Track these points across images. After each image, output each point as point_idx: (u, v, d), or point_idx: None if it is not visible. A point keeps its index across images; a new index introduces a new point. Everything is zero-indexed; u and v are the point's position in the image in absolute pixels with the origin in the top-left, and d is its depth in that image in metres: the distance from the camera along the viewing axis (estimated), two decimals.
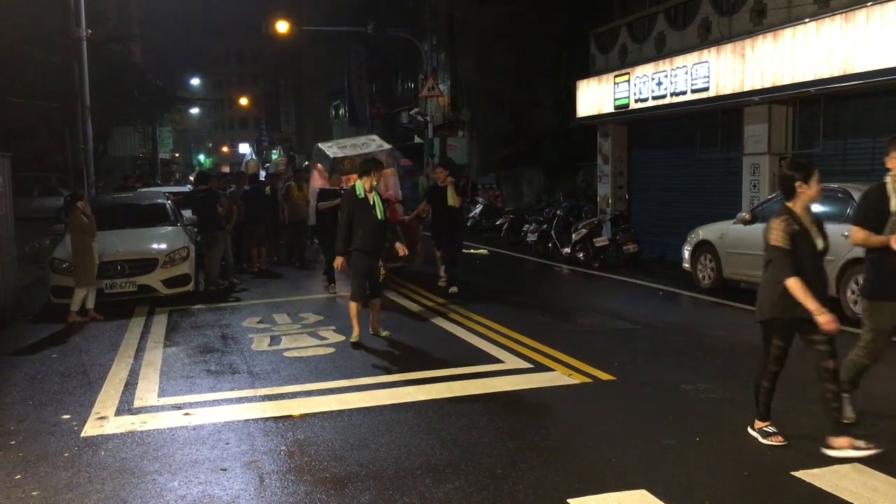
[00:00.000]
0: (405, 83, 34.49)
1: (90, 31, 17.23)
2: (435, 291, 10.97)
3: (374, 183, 7.85)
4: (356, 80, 38.95)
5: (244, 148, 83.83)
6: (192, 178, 23.82)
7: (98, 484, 4.47)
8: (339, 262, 7.97)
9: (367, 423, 5.45)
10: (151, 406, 5.98)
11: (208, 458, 4.83)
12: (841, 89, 10.68)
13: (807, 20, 10.99)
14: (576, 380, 6.37)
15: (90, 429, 5.45)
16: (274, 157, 52.11)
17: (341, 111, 44.63)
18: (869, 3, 9.96)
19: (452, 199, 10.99)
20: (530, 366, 6.84)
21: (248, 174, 16.21)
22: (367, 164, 7.97)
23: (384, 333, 8.05)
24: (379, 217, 7.79)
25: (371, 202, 7.77)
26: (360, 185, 7.81)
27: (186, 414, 5.73)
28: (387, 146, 13.47)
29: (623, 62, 16.07)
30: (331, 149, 12.94)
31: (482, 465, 4.58)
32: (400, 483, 4.33)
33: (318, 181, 12.67)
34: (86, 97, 17.05)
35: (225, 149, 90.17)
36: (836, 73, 10.47)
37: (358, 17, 29.65)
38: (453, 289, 10.85)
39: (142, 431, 5.37)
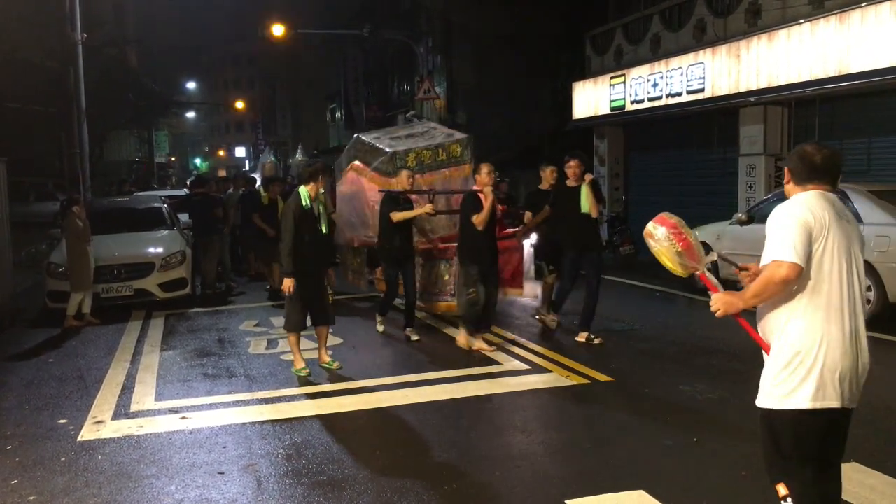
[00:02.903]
0: (401, 86, 34.51)
1: (86, 36, 17.22)
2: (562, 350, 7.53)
3: (320, 190, 6.78)
4: (352, 82, 39.00)
5: (240, 151, 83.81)
6: (188, 182, 23.81)
7: (95, 488, 4.46)
8: (287, 283, 6.60)
9: (365, 426, 5.44)
10: (148, 410, 5.97)
11: (206, 462, 4.82)
12: (836, 90, 10.71)
13: (801, 21, 11.02)
14: (573, 381, 6.37)
15: (87, 433, 5.43)
16: (271, 159, 51.94)
17: (338, 114, 44.64)
18: (863, 4, 9.99)
19: (588, 205, 7.53)
20: (528, 367, 6.84)
21: (246, 177, 16.13)
22: (313, 169, 6.90)
23: (334, 365, 6.96)
24: (324, 231, 6.77)
25: (316, 213, 6.72)
26: (305, 192, 6.68)
27: (183, 418, 5.71)
28: (460, 135, 10.30)
29: (619, 64, 16.09)
30: (381, 140, 10.07)
31: (480, 467, 4.58)
32: (398, 485, 4.33)
33: (366, 184, 9.61)
34: (81, 101, 17.01)
35: (221, 152, 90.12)
36: (832, 74, 10.51)
37: (354, 20, 29.68)
38: (598, 339, 7.72)
39: (139, 435, 5.36)
